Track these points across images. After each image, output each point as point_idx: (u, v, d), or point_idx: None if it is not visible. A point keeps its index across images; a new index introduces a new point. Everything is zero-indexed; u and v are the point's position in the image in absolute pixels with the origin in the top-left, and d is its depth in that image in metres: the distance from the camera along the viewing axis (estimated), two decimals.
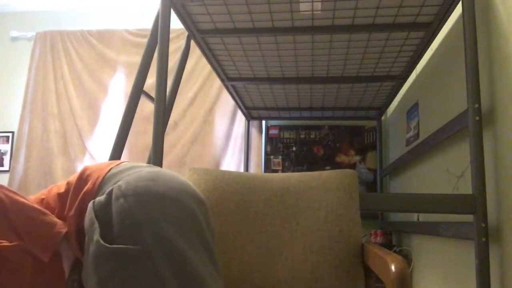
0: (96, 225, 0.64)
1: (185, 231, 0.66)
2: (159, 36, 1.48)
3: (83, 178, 0.74)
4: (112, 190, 0.67)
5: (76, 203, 0.70)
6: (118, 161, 0.79)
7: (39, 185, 3.25)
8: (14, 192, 0.71)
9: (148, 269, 0.61)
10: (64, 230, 0.70)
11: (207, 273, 0.66)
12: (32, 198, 0.76)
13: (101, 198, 0.67)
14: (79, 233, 0.70)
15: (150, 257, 0.62)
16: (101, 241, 0.62)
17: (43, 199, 0.75)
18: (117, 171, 0.73)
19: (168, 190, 0.69)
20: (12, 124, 3.49)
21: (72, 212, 0.70)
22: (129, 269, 0.61)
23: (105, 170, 0.73)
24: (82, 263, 0.71)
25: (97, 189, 0.71)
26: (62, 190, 0.75)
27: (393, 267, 0.74)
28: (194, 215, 0.69)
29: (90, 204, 0.67)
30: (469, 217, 1.28)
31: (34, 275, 0.70)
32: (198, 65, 3.24)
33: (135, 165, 0.76)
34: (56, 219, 0.71)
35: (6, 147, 3.47)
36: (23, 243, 0.69)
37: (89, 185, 0.71)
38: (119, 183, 0.68)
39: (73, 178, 0.76)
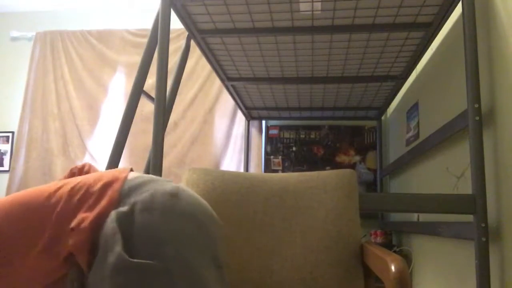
0: (119, 236, 0.64)
1: (204, 253, 0.68)
2: (159, 36, 1.48)
3: (90, 191, 0.72)
4: (136, 202, 0.68)
5: (92, 218, 0.69)
6: (125, 170, 0.78)
7: (39, 185, 3.25)
8: None
9: (165, 286, 0.63)
10: None
11: None
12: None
13: (124, 209, 0.67)
14: (92, 247, 0.69)
15: (169, 274, 0.63)
16: (124, 254, 0.63)
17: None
18: (138, 183, 0.74)
19: (191, 210, 0.71)
20: (12, 124, 3.49)
21: (86, 225, 0.68)
22: (147, 284, 0.62)
23: (120, 183, 0.73)
24: (80, 264, 0.70)
25: (116, 203, 0.70)
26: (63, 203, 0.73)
27: (393, 268, 0.74)
28: (213, 237, 0.71)
29: (113, 213, 0.67)
30: (469, 217, 1.28)
31: None
32: (198, 65, 3.24)
33: (155, 178, 0.77)
34: None
35: (6, 147, 3.47)
36: None
37: (106, 200, 0.71)
38: (144, 195, 0.69)
39: (76, 187, 0.74)
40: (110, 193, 0.71)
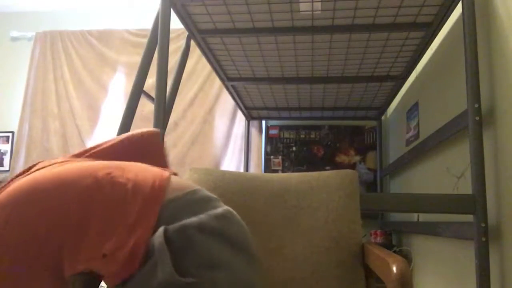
0: (167, 253, 0.62)
1: (248, 282, 0.68)
2: (159, 36, 1.48)
3: (127, 209, 0.67)
4: (189, 222, 0.66)
5: (130, 248, 0.65)
6: (164, 179, 0.73)
7: None
8: None
9: None
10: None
11: None
12: None
13: (176, 226, 0.65)
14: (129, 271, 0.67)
15: None
16: (175, 273, 0.61)
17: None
18: (190, 201, 0.71)
19: (243, 238, 0.70)
20: (12, 124, 3.49)
21: (124, 255, 0.65)
22: None
23: (159, 203, 0.69)
24: (107, 282, 0.69)
25: (153, 228, 0.67)
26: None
27: (394, 269, 0.74)
28: (258, 271, 0.72)
29: (162, 229, 0.65)
30: (469, 217, 1.28)
31: None
32: (198, 65, 3.24)
33: (209, 197, 0.74)
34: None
35: (6, 147, 3.47)
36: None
37: (145, 227, 0.67)
38: (199, 217, 0.67)
39: (107, 202, 0.68)
40: (148, 220, 0.67)
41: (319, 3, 1.50)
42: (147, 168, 0.76)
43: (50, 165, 0.75)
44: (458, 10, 1.54)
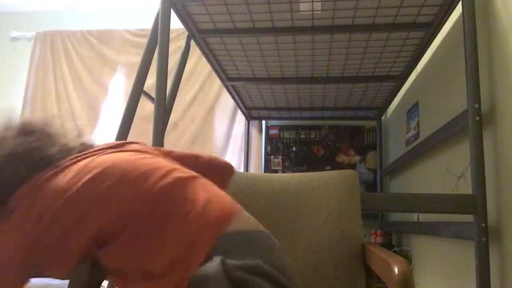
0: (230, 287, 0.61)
1: None
2: (159, 36, 1.48)
3: (186, 229, 0.66)
4: (253, 264, 0.64)
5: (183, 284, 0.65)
6: (229, 213, 0.71)
7: None
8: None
9: None
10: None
11: None
12: None
13: (236, 264, 0.63)
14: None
15: None
16: None
17: None
18: (249, 240, 0.69)
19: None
20: None
21: (172, 277, 0.65)
22: None
23: (224, 227, 0.68)
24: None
25: (214, 248, 0.66)
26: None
27: (396, 270, 0.74)
28: None
29: (218, 261, 0.63)
30: (469, 217, 1.28)
31: None
32: (198, 65, 3.24)
33: (271, 241, 0.72)
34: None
35: None
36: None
37: (205, 246, 0.66)
38: (260, 262, 0.65)
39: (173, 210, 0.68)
40: (202, 248, 0.66)
41: (319, 3, 1.50)
42: (222, 195, 0.75)
43: (140, 151, 0.77)
44: (458, 10, 1.54)
